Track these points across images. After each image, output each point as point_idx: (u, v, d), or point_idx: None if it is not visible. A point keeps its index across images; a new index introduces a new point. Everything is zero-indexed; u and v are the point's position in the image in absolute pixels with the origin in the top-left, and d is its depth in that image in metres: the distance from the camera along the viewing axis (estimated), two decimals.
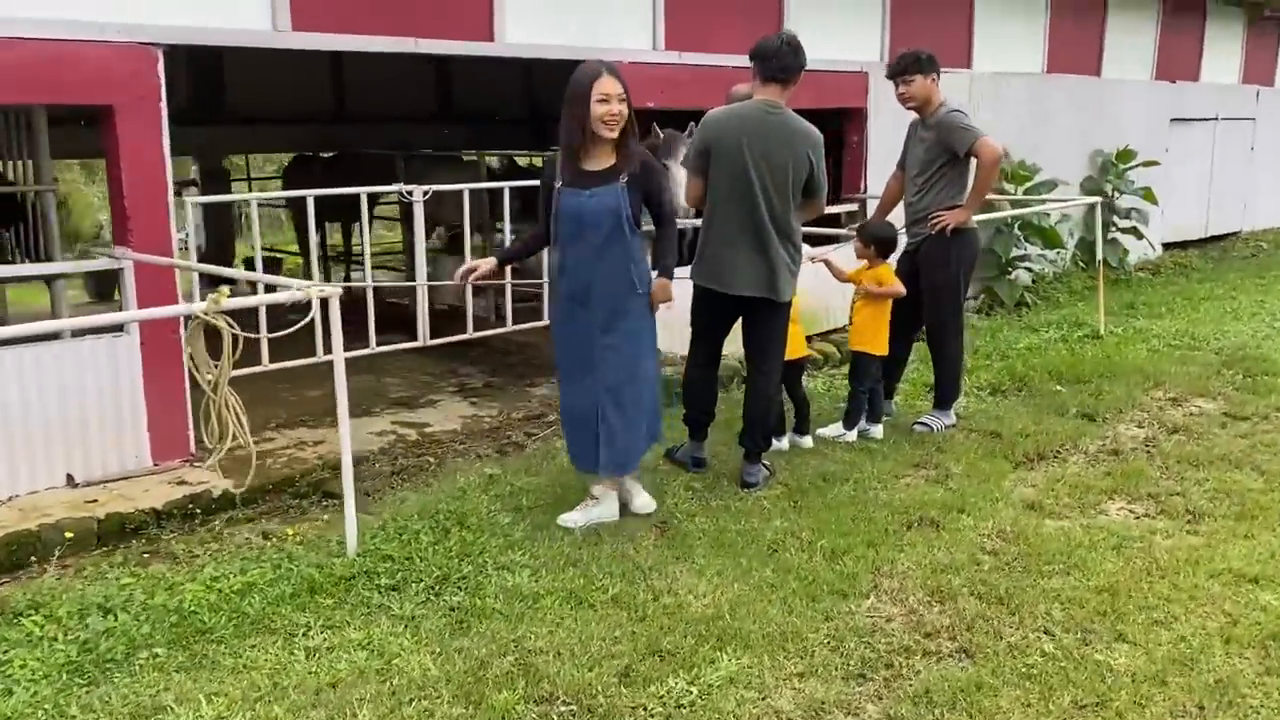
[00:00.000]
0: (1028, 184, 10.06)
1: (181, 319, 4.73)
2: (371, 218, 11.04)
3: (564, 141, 4.44)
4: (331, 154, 10.65)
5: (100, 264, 5.32)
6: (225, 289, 3.70)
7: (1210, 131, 13.69)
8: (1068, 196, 10.33)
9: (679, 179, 5.90)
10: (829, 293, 6.59)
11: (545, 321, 6.03)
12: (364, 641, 3.57)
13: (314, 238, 6.56)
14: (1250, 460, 5.46)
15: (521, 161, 11.47)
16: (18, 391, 4.88)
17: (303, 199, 6.44)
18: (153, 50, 5.12)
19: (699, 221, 5.16)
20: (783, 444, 5.62)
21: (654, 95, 7.06)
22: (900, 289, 5.68)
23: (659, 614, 3.78)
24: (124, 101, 5.06)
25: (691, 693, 3.30)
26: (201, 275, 8.41)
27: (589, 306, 4.49)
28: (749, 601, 3.88)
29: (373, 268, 11.16)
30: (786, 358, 5.43)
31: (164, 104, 5.20)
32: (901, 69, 5.71)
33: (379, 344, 6.21)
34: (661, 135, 6.86)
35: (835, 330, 8.06)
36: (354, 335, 6.05)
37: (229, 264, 10.59)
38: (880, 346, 5.81)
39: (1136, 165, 11.48)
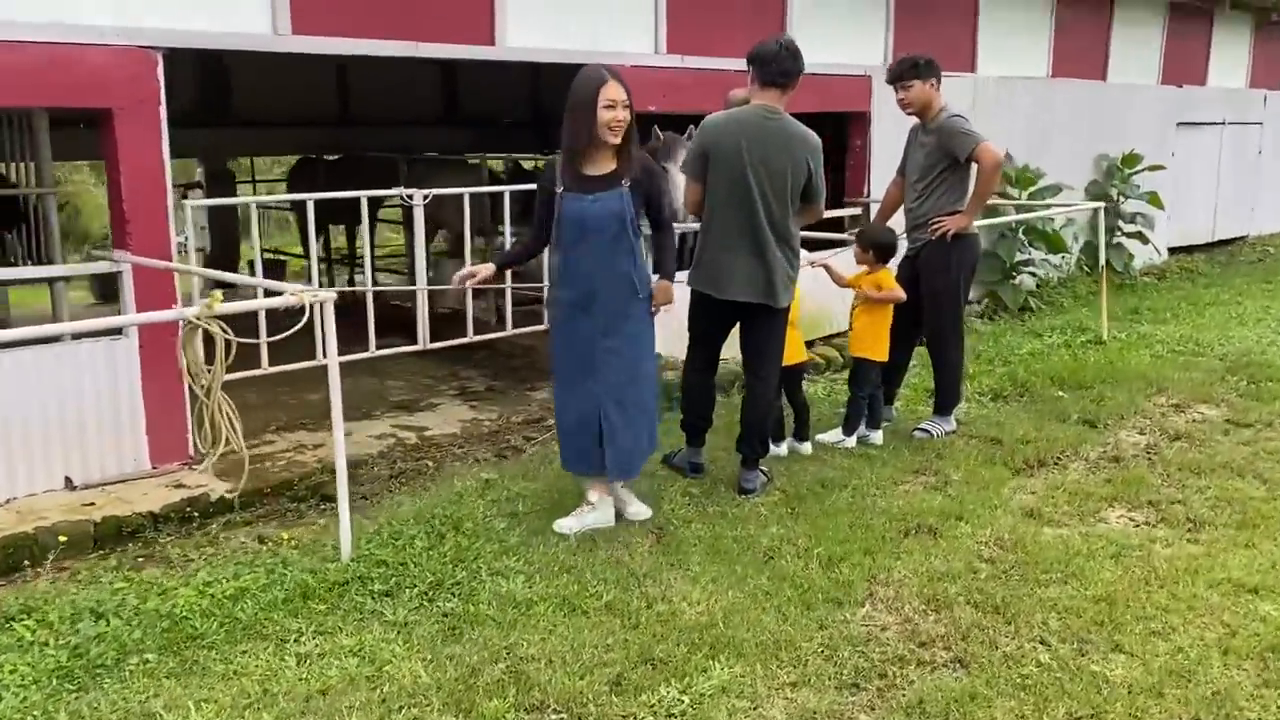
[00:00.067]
0: (1032, 188, 10.02)
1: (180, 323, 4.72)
2: (375, 221, 11.13)
3: (567, 146, 4.43)
4: (336, 157, 10.66)
5: (99, 267, 5.32)
6: (218, 293, 3.70)
7: (1217, 136, 13.64)
8: (1072, 201, 10.29)
9: (678, 182, 5.88)
10: (830, 297, 6.57)
11: (546, 325, 6.01)
12: (355, 648, 3.56)
13: (314, 241, 6.53)
14: (1252, 468, 5.42)
15: (526, 165, 11.47)
16: (16, 394, 4.88)
17: (304, 202, 6.42)
18: (152, 54, 5.13)
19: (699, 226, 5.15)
20: (781, 450, 5.60)
21: (655, 99, 7.06)
22: (900, 294, 5.65)
23: (652, 621, 3.76)
24: (123, 105, 5.07)
25: (683, 702, 3.28)
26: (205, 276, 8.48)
27: (591, 310, 4.48)
28: (743, 609, 3.86)
29: (377, 270, 11.27)
30: (786, 363, 5.42)
31: (163, 107, 5.20)
32: (900, 74, 5.69)
33: (380, 347, 6.22)
34: (661, 138, 6.85)
35: (836, 335, 8.03)
36: (356, 338, 6.08)
37: (234, 266, 10.61)
38: (880, 352, 5.78)
39: (1142, 170, 11.45)
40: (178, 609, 3.76)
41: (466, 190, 6.62)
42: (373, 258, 10.80)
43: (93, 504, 4.93)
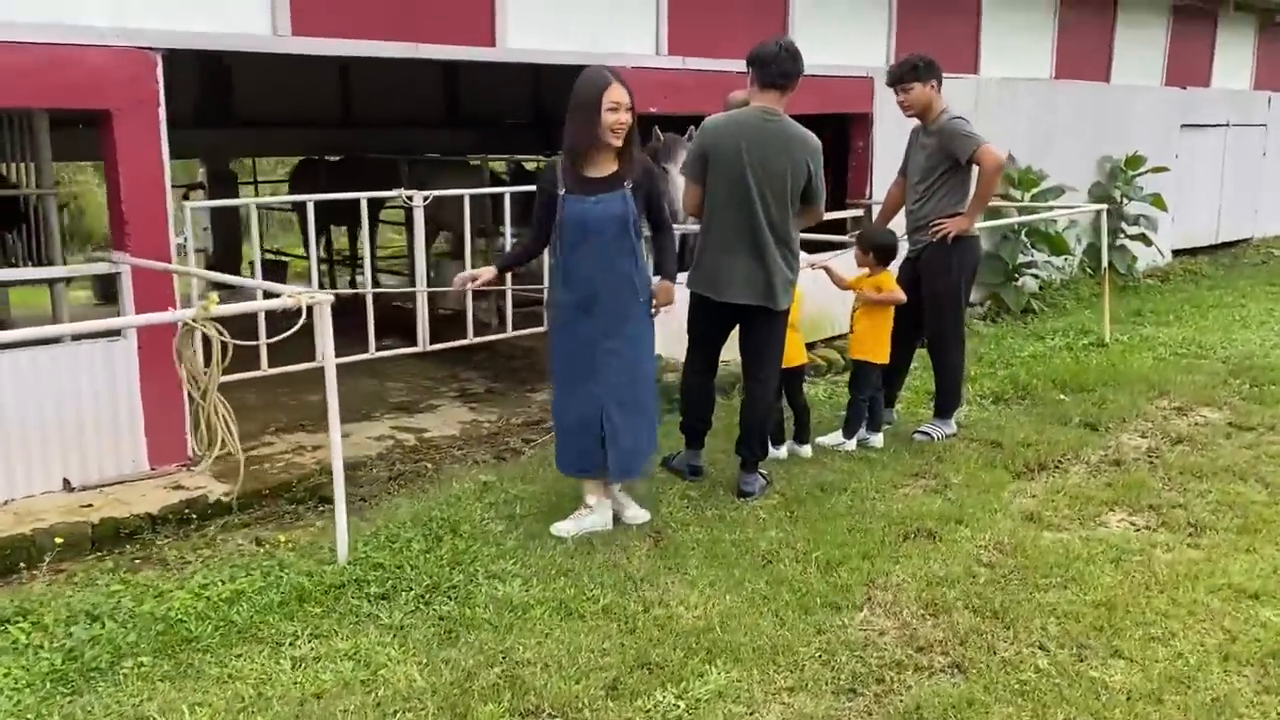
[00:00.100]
0: (1035, 190, 10.00)
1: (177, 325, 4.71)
2: (376, 222, 11.14)
3: (569, 148, 4.42)
4: (337, 158, 10.65)
5: (97, 268, 5.31)
6: (214, 296, 3.68)
7: (1221, 138, 13.61)
8: (1075, 203, 10.26)
9: (678, 183, 5.86)
10: (832, 299, 6.55)
11: (546, 327, 6.00)
12: (351, 651, 3.55)
13: (313, 242, 6.52)
14: (1254, 472, 5.40)
15: (529, 166, 11.46)
16: (15, 395, 4.88)
17: (304, 203, 6.42)
18: (151, 54, 5.12)
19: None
20: (781, 453, 5.59)
21: (657, 100, 7.04)
22: (900, 295, 5.63)
23: (649, 625, 3.75)
24: (122, 106, 5.07)
25: (679, 707, 3.26)
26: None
27: (592, 312, 4.47)
28: (740, 613, 3.84)
29: (380, 271, 11.27)
30: (787, 365, 5.41)
31: (162, 108, 5.19)
32: (900, 77, 5.67)
33: (380, 349, 6.22)
34: (662, 139, 6.84)
35: (838, 337, 8.00)
36: (357, 339, 6.08)
37: (237, 267, 10.61)
38: (881, 355, 5.76)
39: (1146, 171, 11.42)
40: (173, 612, 3.74)
41: (467, 191, 6.61)
42: (374, 259, 10.87)
43: (90, 505, 4.92)
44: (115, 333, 5.15)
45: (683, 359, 5.31)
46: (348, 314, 6.92)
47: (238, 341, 3.93)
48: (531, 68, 9.38)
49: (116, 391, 5.20)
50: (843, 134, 9.03)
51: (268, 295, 4.32)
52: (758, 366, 5.07)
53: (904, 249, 6.00)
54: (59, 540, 4.42)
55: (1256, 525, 4.70)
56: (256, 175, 14.42)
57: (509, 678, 3.40)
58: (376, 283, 10.67)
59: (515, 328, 6.85)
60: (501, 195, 7.02)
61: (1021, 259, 9.77)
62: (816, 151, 4.90)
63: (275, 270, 11.04)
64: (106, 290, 11.50)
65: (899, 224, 6.12)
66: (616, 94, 4.29)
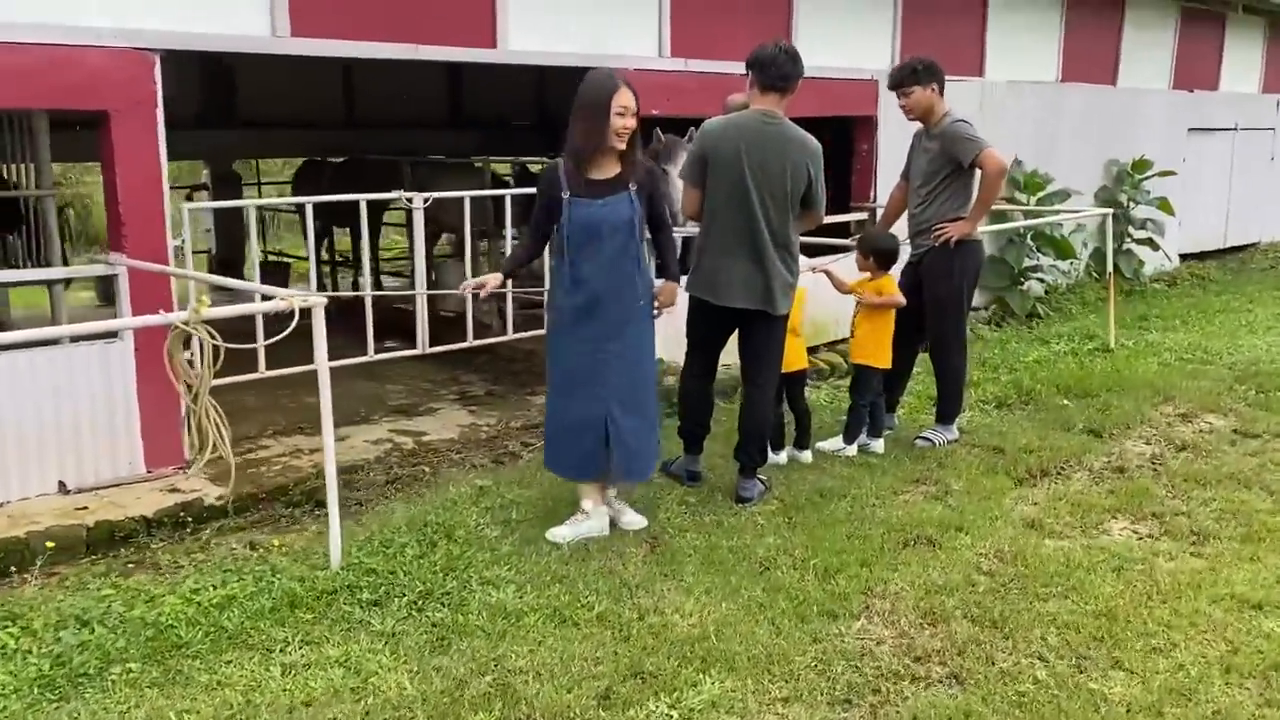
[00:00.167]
0: (1041, 193, 9.94)
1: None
2: (379, 224, 11.12)
3: (575, 150, 4.39)
4: (340, 159, 10.64)
5: (93, 269, 5.29)
6: (206, 298, 3.65)
7: (1229, 141, 13.53)
8: (1081, 207, 10.20)
9: (679, 185, 5.82)
10: (834, 302, 6.51)
11: (543, 330, 5.96)
12: (342, 658, 3.51)
13: (312, 243, 6.50)
14: (1259, 480, 5.34)
15: (534, 168, 11.44)
16: (10, 397, 4.85)
17: (305, 205, 6.40)
18: (149, 55, 5.10)
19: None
20: (780, 458, 5.54)
21: (659, 103, 7.00)
22: (900, 299, 5.59)
23: (643, 633, 3.71)
24: (120, 107, 5.04)
25: (672, 717, 3.23)
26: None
27: (595, 314, 4.45)
28: (736, 621, 3.80)
29: (384, 273, 11.26)
30: (788, 369, 5.38)
31: (160, 109, 5.17)
32: (900, 81, 5.63)
33: (379, 351, 6.19)
34: (662, 140, 6.80)
35: (842, 340, 7.95)
36: (358, 341, 6.05)
37: (240, 268, 10.60)
38: (883, 359, 5.72)
39: (1152, 175, 11.35)
40: (163, 617, 3.71)
41: (467, 193, 6.59)
42: (375, 260, 10.87)
43: (86, 508, 4.90)
44: (112, 335, 5.12)
45: (682, 362, 5.27)
46: (349, 316, 6.95)
47: (230, 345, 3.89)
48: (535, 69, 9.34)
49: (113, 394, 5.18)
50: (847, 137, 8.98)
51: (264, 298, 4.29)
52: (756, 371, 5.03)
53: (906, 253, 5.95)
54: (50, 544, 4.39)
55: (1260, 534, 4.65)
56: (260, 177, 14.42)
57: (500, 686, 3.36)
58: (379, 285, 10.72)
59: (516, 330, 6.82)
60: (503, 197, 6.99)
61: (1027, 263, 9.72)
62: (817, 155, 4.86)
63: (278, 272, 11.04)
64: (108, 292, 11.52)
65: (901, 228, 6.08)
66: (625, 99, 4.29)
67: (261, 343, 5.05)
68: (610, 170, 4.41)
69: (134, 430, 5.26)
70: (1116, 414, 6.39)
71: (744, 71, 4.95)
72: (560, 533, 4.53)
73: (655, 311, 4.66)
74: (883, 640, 3.72)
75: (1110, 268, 8.72)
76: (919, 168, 5.79)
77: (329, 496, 4.14)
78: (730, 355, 5.23)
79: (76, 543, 4.61)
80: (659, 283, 4.73)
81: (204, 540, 4.68)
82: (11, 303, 8.36)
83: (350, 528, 4.58)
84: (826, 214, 5.18)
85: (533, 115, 12.56)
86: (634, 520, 4.67)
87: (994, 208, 8.38)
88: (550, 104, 12.05)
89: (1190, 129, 12.67)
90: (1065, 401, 6.70)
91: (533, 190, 4.77)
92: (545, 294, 5.84)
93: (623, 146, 4.37)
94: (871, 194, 8.96)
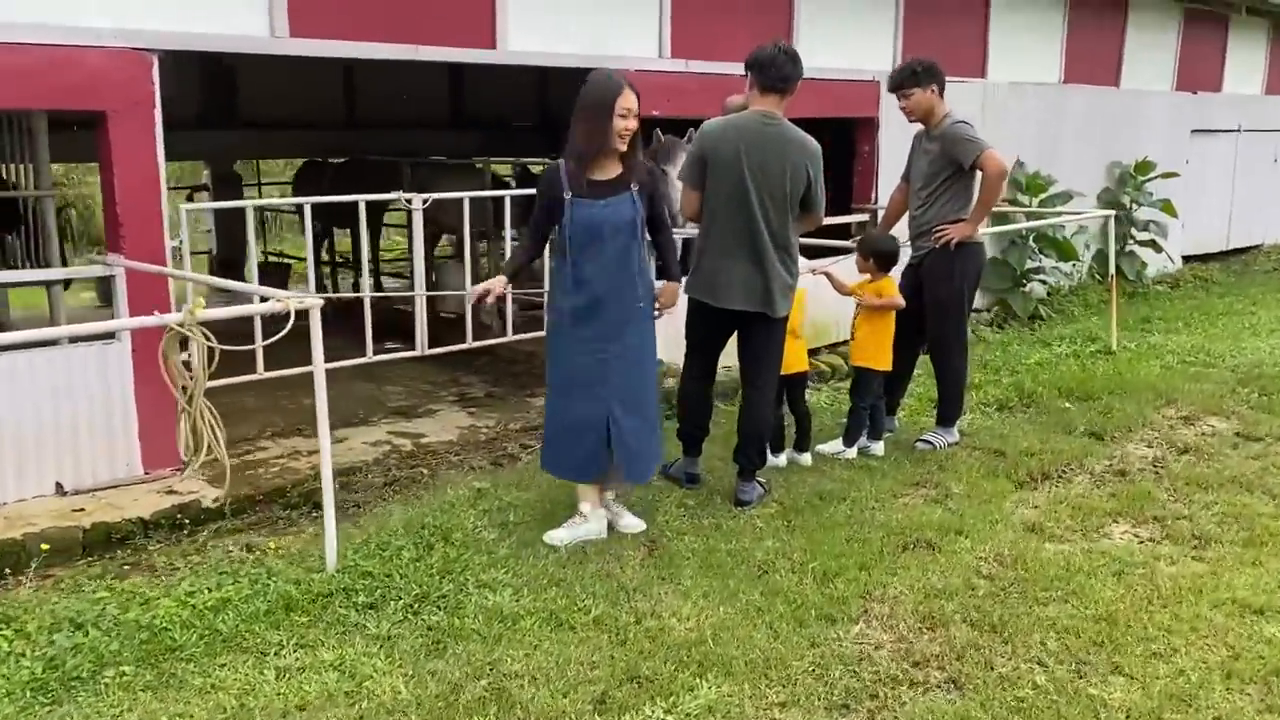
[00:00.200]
0: (1043, 195, 9.91)
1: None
2: (380, 225, 11.10)
3: (579, 151, 4.37)
4: (341, 160, 10.62)
5: (91, 270, 5.28)
6: (201, 300, 3.64)
7: (1233, 143, 13.50)
8: (1083, 209, 10.18)
9: (678, 186, 5.81)
10: (836, 304, 6.48)
11: (543, 332, 5.93)
12: (336, 662, 3.49)
13: (310, 244, 6.49)
14: (1261, 483, 5.31)
15: (535, 169, 11.42)
16: (7, 398, 4.84)
17: (304, 205, 6.39)
18: (147, 56, 5.08)
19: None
20: (780, 461, 5.52)
21: (659, 104, 6.98)
22: (899, 301, 5.57)
23: (640, 637, 3.68)
24: (117, 107, 5.02)
25: None
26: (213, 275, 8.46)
27: (597, 315, 4.44)
28: (734, 625, 3.78)
29: (385, 274, 11.24)
30: (788, 372, 5.36)
31: (158, 110, 5.15)
32: (899, 83, 5.61)
33: (379, 352, 6.18)
34: (662, 140, 6.78)
35: (841, 343, 7.94)
36: (358, 342, 6.04)
37: (241, 268, 10.58)
38: (883, 362, 5.70)
39: (1155, 177, 11.32)
40: (158, 620, 3.69)
41: (466, 194, 6.57)
42: (377, 261, 10.87)
43: (82, 510, 4.88)
44: (110, 336, 5.11)
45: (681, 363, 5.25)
46: (350, 317, 6.93)
47: (225, 346, 3.87)
48: (537, 70, 9.33)
49: (110, 395, 5.16)
50: (848, 138, 8.96)
51: (262, 299, 4.27)
52: (756, 373, 5.01)
53: (907, 255, 5.93)
54: (44, 546, 4.37)
55: (1263, 538, 4.62)
56: (260, 177, 14.41)
57: (495, 690, 3.34)
58: (379, 286, 10.70)
59: (516, 331, 6.79)
60: (502, 198, 6.97)
61: (1029, 264, 9.69)
62: (816, 156, 4.84)
63: (278, 272, 11.02)
64: (108, 292, 11.51)
65: (902, 230, 6.05)
66: (628, 100, 4.29)
67: (260, 344, 5.04)
68: (612, 171, 4.41)
69: (131, 431, 5.24)
70: (1118, 417, 6.36)
71: (744, 73, 4.93)
72: (558, 535, 4.51)
73: (656, 312, 4.65)
74: (881, 645, 3.70)
75: (1112, 270, 8.69)
76: (919, 169, 5.76)
77: (325, 499, 4.12)
78: (731, 357, 5.21)
79: (73, 544, 4.59)
80: (660, 283, 4.72)
81: (200, 542, 4.66)
82: (12, 304, 8.35)
83: (347, 530, 4.56)
84: (827, 215, 5.16)
85: (534, 116, 12.55)
86: (632, 523, 4.65)
87: (996, 209, 8.38)
88: (552, 105, 12.04)
89: (1193, 130, 12.64)
90: (1067, 404, 6.67)
91: (532, 191, 4.76)
92: (545, 295, 5.83)
93: (624, 148, 4.37)
94: (873, 195, 8.93)
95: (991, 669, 3.52)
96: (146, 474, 5.28)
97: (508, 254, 7.01)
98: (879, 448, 5.75)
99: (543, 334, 6.19)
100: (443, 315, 8.35)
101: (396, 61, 6.12)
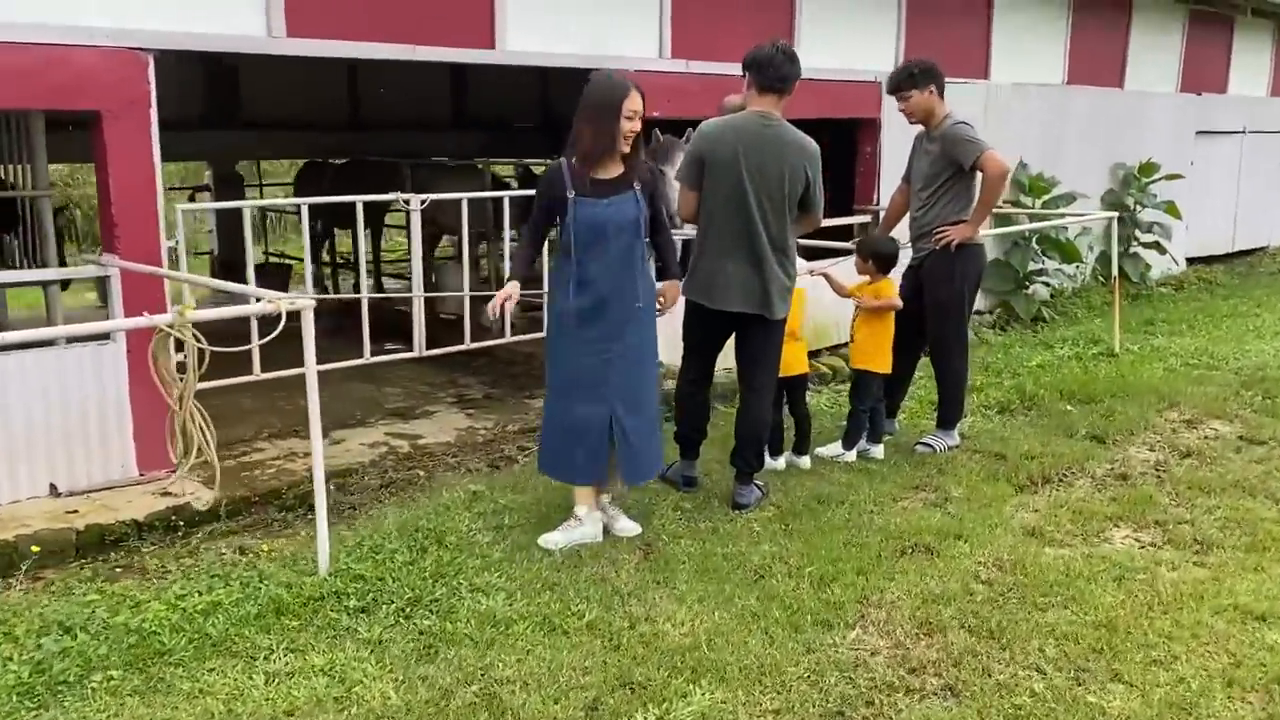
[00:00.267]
0: (1046, 197, 9.86)
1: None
2: (382, 226, 11.08)
3: (585, 152, 4.36)
4: (342, 161, 10.60)
5: (85, 270, 5.25)
6: (191, 301, 3.61)
7: (1237, 144, 13.43)
8: (1087, 210, 10.12)
9: (676, 186, 5.77)
10: (837, 306, 6.44)
11: (543, 333, 5.89)
12: (326, 667, 3.46)
13: (307, 245, 6.47)
14: (1264, 488, 5.26)
15: (538, 170, 11.40)
16: (0, 398, 4.81)
17: (305, 206, 6.36)
18: (142, 55, 5.05)
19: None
20: (778, 464, 5.48)
21: (660, 105, 6.93)
22: (897, 301, 5.53)
23: (634, 642, 3.65)
24: (112, 107, 4.99)
25: None
26: (214, 277, 8.44)
27: (600, 315, 4.42)
28: (729, 631, 3.74)
29: (386, 275, 11.21)
30: (789, 374, 5.33)
31: (154, 110, 5.12)
32: (897, 86, 5.58)
33: (376, 353, 6.15)
34: (661, 140, 6.74)
35: (843, 344, 7.88)
36: (358, 343, 6.01)
37: (243, 269, 10.55)
38: (883, 364, 5.65)
39: (1159, 179, 11.25)
40: (147, 623, 3.66)
41: (464, 195, 6.54)
42: (378, 262, 10.84)
43: (76, 511, 4.84)
44: (104, 336, 5.08)
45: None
46: (351, 318, 6.90)
47: (216, 348, 3.84)
48: (539, 71, 9.30)
49: (105, 396, 5.13)
50: (850, 139, 8.91)
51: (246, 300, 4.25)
52: (753, 375, 4.97)
53: (907, 256, 5.89)
54: (35, 549, 4.34)
55: (1265, 543, 4.57)
56: (261, 178, 14.39)
57: (487, 696, 3.30)
58: (380, 287, 10.68)
59: (514, 333, 6.75)
60: (500, 199, 6.94)
61: (1032, 266, 9.64)
62: (815, 157, 4.80)
63: (280, 273, 11.00)
64: (105, 293, 11.50)
65: (902, 231, 6.01)
66: (634, 102, 4.30)
67: (256, 344, 5.01)
68: (614, 170, 4.40)
69: (126, 433, 5.22)
70: (1120, 420, 6.31)
71: (741, 73, 4.89)
72: (553, 538, 4.47)
73: (659, 310, 4.64)
74: (877, 651, 3.65)
75: (1115, 272, 8.63)
76: (920, 170, 5.73)
77: (317, 501, 4.09)
78: (730, 360, 5.17)
79: (66, 546, 4.56)
80: (661, 283, 4.70)
81: (193, 545, 4.62)
82: (15, 304, 8.35)
83: (341, 533, 4.53)
84: (827, 217, 5.13)
85: (537, 117, 12.52)
86: (628, 527, 4.61)
87: (997, 211, 8.33)
88: (554, 106, 12.01)
89: (1198, 132, 12.57)
90: (1068, 407, 6.62)
91: (532, 192, 4.72)
92: (544, 296, 5.79)
93: (626, 149, 4.36)
94: (874, 197, 8.88)
95: (989, 676, 3.48)
96: (141, 475, 5.25)
97: (507, 255, 6.97)
98: (878, 451, 5.71)
99: (541, 335, 6.18)
100: (442, 317, 8.32)
101: (396, 62, 6.09)
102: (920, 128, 5.78)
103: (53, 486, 5.01)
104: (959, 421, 5.94)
